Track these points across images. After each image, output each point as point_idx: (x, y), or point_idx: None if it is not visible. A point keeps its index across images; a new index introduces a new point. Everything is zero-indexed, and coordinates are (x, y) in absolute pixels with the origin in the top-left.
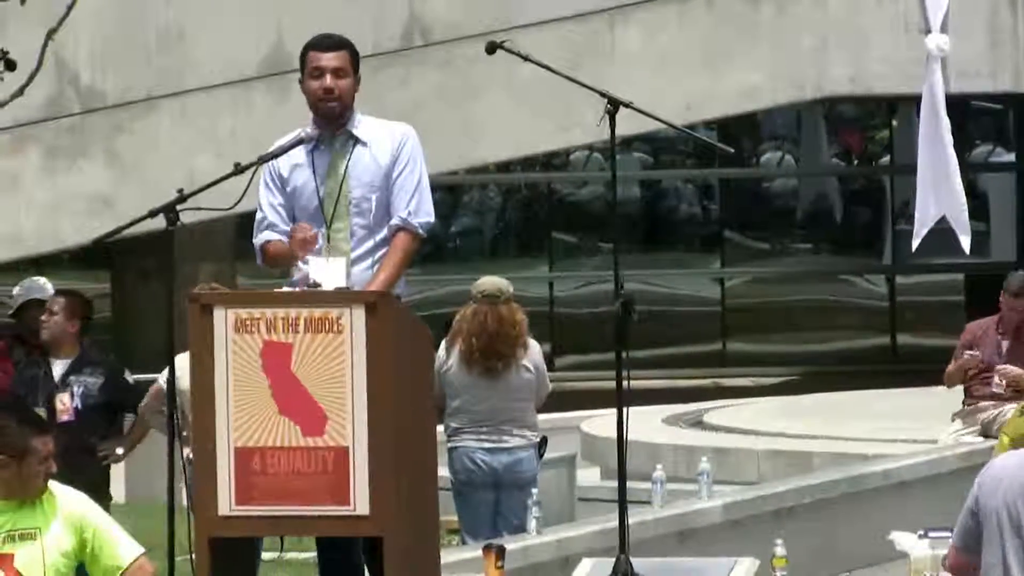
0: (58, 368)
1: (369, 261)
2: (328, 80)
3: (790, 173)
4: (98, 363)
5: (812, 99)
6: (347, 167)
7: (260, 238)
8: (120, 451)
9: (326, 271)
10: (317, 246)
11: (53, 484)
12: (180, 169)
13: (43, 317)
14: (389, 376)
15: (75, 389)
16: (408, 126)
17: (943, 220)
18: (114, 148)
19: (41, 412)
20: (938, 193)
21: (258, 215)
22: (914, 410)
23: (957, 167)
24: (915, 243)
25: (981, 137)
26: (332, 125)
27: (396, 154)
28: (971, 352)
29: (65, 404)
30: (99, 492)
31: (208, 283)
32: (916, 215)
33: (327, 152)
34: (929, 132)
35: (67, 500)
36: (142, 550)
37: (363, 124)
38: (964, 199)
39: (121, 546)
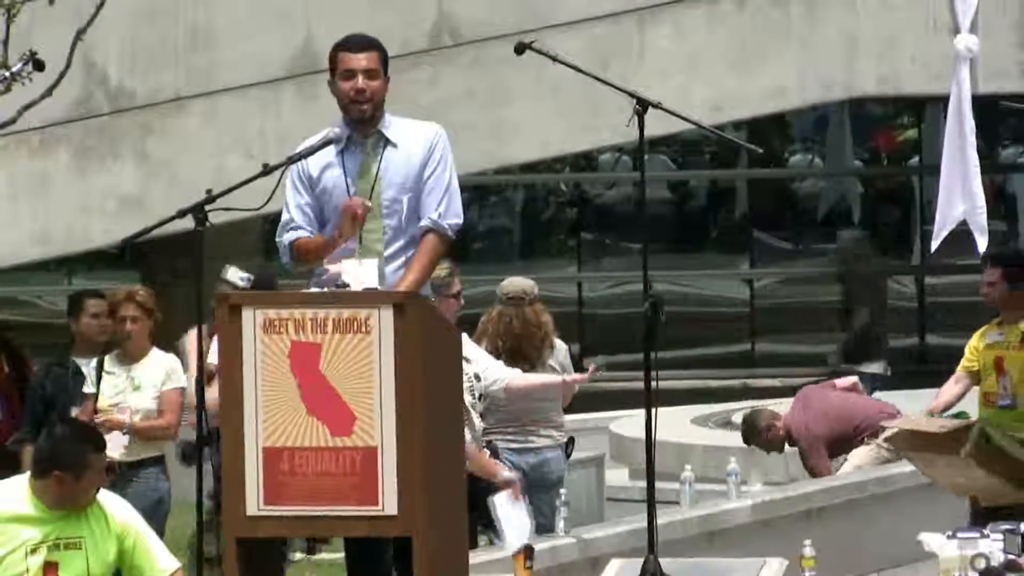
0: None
1: (400, 260)
2: (360, 81)
3: (819, 173)
4: None
5: (841, 99)
6: (379, 169)
7: (288, 236)
8: None
9: (357, 272)
10: (361, 225)
11: (100, 493)
12: (209, 169)
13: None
14: (417, 376)
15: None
16: (438, 126)
17: (964, 222)
18: (143, 148)
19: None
20: (961, 194)
21: (284, 216)
22: None
23: (978, 168)
24: (934, 244)
25: (1010, 138)
26: (364, 126)
27: (427, 155)
28: None
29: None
30: None
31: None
32: (937, 216)
33: (358, 153)
34: (954, 133)
35: (112, 509)
36: (179, 564)
37: (393, 125)
38: (983, 201)
39: (160, 559)
